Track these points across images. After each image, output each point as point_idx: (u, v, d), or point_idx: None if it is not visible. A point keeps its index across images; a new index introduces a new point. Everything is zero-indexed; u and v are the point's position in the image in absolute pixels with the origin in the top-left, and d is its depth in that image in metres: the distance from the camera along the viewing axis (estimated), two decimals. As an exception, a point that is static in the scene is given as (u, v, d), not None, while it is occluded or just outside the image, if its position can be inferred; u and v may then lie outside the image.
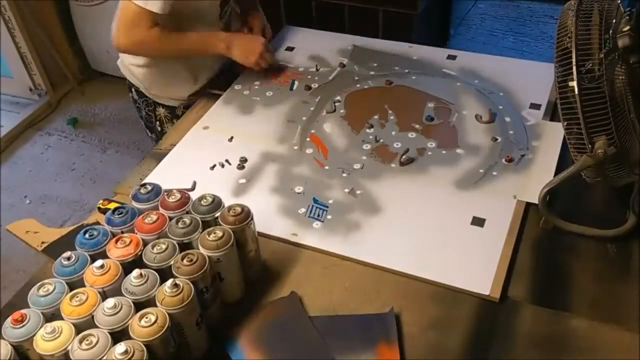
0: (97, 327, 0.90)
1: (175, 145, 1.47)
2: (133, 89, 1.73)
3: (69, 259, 0.99)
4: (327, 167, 1.37)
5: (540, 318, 1.06)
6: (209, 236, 1.01)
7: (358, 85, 1.62)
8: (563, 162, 1.31)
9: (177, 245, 1.01)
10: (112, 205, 1.24)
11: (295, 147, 1.44)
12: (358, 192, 1.30)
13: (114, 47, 1.53)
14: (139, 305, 0.93)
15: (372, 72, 1.66)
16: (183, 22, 1.54)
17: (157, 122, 1.74)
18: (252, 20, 1.72)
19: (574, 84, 1.05)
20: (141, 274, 0.94)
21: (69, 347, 0.87)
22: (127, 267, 0.98)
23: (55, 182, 2.86)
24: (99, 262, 0.96)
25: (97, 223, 1.24)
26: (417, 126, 1.46)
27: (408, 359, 1.00)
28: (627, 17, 1.01)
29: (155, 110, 1.71)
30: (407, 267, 1.14)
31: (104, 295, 0.95)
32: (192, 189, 1.33)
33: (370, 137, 1.44)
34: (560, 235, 1.19)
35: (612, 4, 1.10)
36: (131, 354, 0.85)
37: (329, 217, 1.25)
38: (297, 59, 1.74)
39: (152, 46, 1.50)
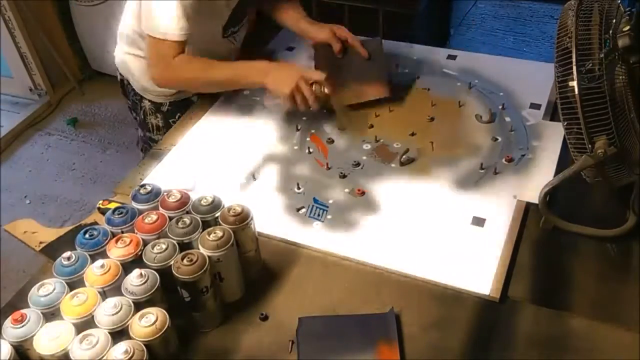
0: (97, 327, 0.90)
1: (175, 145, 1.47)
2: (124, 79, 1.72)
3: (69, 259, 0.99)
4: (327, 167, 1.37)
5: (541, 318, 1.06)
6: (209, 236, 1.01)
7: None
8: (563, 162, 1.31)
9: (177, 245, 1.01)
10: (112, 206, 1.23)
11: (295, 147, 1.44)
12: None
13: (156, 84, 1.52)
14: (139, 305, 0.93)
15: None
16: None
17: (142, 112, 1.71)
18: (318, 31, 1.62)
19: (574, 83, 1.05)
20: (141, 274, 0.94)
21: (69, 347, 0.87)
22: (127, 267, 0.98)
23: (55, 182, 2.85)
24: (99, 262, 0.96)
25: (95, 223, 1.24)
26: (417, 126, 1.46)
27: (408, 359, 1.00)
28: (627, 17, 1.01)
29: (142, 101, 1.69)
30: (407, 267, 1.14)
31: (104, 295, 0.95)
32: (192, 188, 1.33)
33: (371, 137, 1.44)
34: (560, 235, 1.19)
35: (612, 4, 1.10)
36: (131, 353, 0.85)
37: (329, 217, 1.25)
38: (297, 59, 1.74)
39: (185, 77, 1.46)
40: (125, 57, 1.65)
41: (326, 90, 1.42)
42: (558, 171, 1.27)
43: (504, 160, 1.34)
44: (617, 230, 1.16)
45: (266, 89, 1.45)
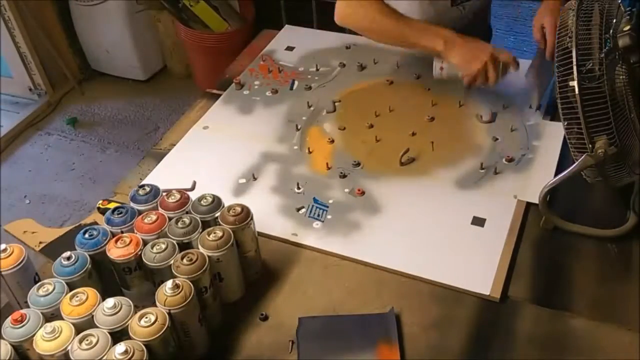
0: (97, 327, 0.90)
1: (175, 145, 1.47)
2: None
3: (68, 258, 0.99)
4: (327, 167, 1.37)
5: (541, 318, 1.06)
6: (208, 236, 1.01)
7: (358, 85, 1.61)
8: (563, 162, 1.31)
9: (176, 245, 1.01)
10: (112, 205, 1.23)
11: (295, 147, 1.44)
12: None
13: (336, 19, 1.52)
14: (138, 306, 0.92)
15: (372, 72, 1.65)
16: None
17: None
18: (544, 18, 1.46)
19: (575, 83, 1.05)
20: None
21: (69, 347, 0.87)
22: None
23: (55, 182, 2.85)
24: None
25: (95, 223, 1.24)
26: (417, 126, 1.46)
27: (408, 359, 1.00)
28: (628, 17, 1.01)
29: None
30: (407, 267, 1.14)
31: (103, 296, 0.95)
32: (192, 189, 1.33)
33: (371, 137, 1.44)
34: (560, 235, 1.19)
35: (613, 3, 1.10)
36: (131, 354, 0.85)
37: (329, 217, 1.25)
38: (297, 59, 1.73)
39: (368, 21, 1.45)
40: None
41: (512, 70, 1.40)
42: (558, 171, 1.27)
43: (504, 160, 1.34)
44: (617, 230, 1.16)
45: (440, 58, 1.43)
